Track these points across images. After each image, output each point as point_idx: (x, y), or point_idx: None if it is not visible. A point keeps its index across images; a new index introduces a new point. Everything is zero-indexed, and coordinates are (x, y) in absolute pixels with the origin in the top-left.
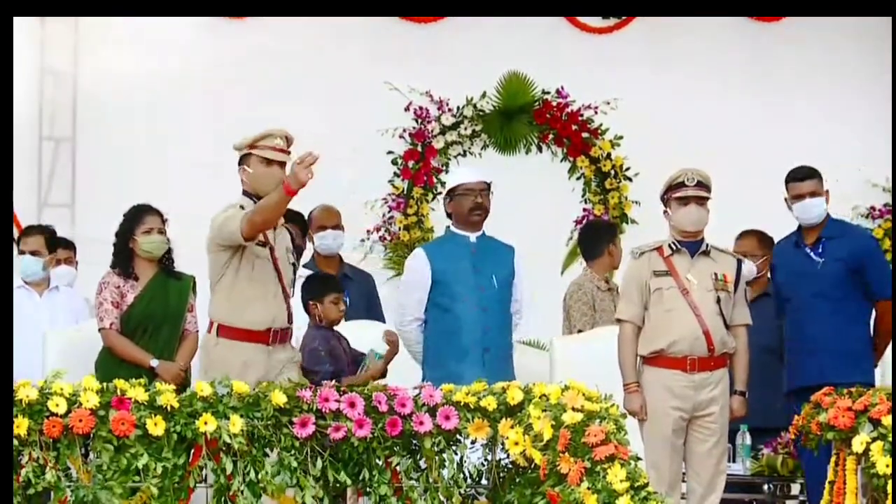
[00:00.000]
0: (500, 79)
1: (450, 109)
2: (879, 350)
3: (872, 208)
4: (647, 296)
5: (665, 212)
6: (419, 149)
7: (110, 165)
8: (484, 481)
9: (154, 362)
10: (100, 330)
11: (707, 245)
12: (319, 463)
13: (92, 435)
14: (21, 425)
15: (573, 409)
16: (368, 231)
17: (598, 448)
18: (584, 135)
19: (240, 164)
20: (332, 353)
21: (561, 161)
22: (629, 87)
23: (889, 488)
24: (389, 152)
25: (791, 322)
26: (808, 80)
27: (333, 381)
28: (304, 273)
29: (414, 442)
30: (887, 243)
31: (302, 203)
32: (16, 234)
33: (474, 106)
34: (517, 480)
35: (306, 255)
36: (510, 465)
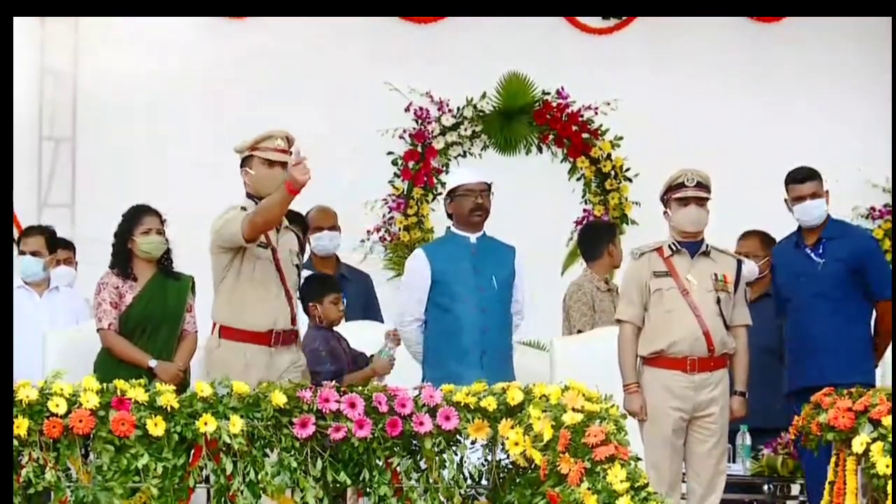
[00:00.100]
0: (500, 79)
1: (450, 110)
2: (880, 350)
3: (872, 209)
4: (647, 296)
5: (665, 212)
6: (419, 149)
7: (110, 165)
8: (484, 482)
9: (152, 363)
10: (98, 330)
11: (707, 245)
12: (319, 463)
13: (92, 435)
14: (21, 425)
15: (573, 409)
16: (368, 231)
17: (599, 448)
18: (585, 135)
19: (242, 166)
20: (333, 353)
21: (561, 162)
22: (629, 87)
23: (889, 489)
24: (389, 153)
25: (791, 323)
26: (808, 80)
27: (334, 382)
28: (302, 274)
29: (414, 442)
30: (887, 243)
31: (301, 203)
32: (16, 234)
33: (474, 106)
34: (517, 481)
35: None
36: (510, 466)
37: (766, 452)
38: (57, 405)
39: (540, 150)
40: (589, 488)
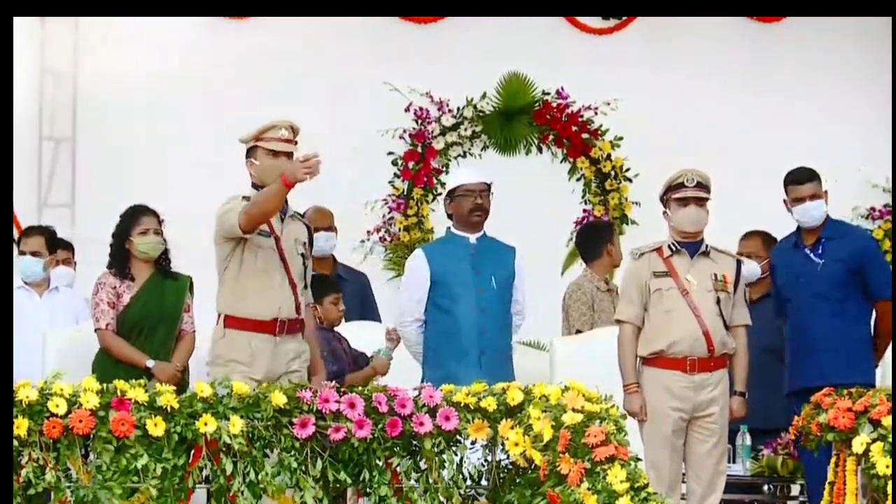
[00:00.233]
0: (500, 79)
1: (450, 110)
2: (879, 350)
3: (872, 209)
4: (647, 296)
5: (664, 212)
6: (419, 149)
7: (110, 165)
8: (484, 482)
9: (150, 363)
10: (96, 330)
11: (707, 246)
12: (319, 463)
13: (92, 435)
14: (21, 426)
15: (573, 409)
16: (368, 232)
17: (598, 449)
18: (584, 136)
19: (247, 156)
20: (334, 353)
21: (561, 162)
22: (629, 87)
23: (889, 489)
24: (389, 153)
25: (791, 323)
26: (808, 80)
27: (334, 382)
28: (309, 264)
29: (414, 443)
30: (887, 244)
31: (301, 203)
32: (16, 234)
33: (474, 107)
34: (517, 481)
35: None
36: (510, 466)
37: (766, 452)
38: (57, 405)
39: (540, 150)
40: (589, 488)
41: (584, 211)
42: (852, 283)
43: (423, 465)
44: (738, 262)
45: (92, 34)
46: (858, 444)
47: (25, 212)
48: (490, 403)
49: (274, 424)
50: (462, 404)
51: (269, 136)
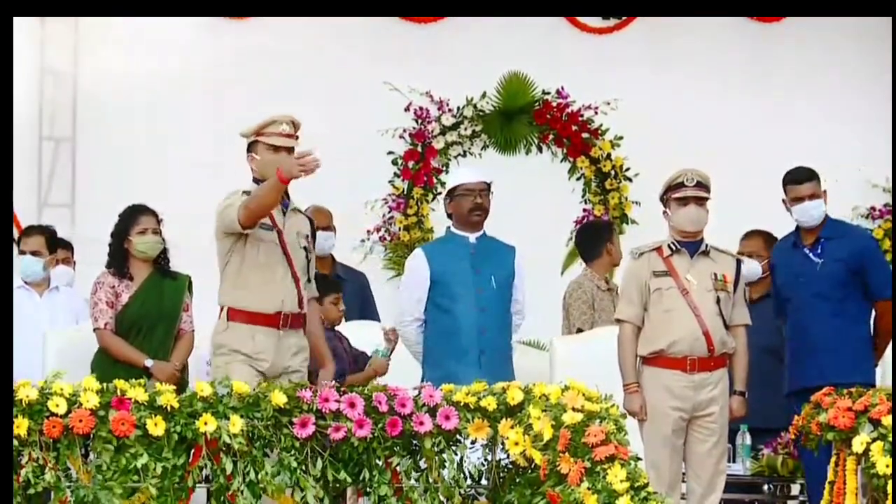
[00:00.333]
0: (500, 79)
1: (450, 110)
2: (879, 350)
3: (872, 208)
4: (647, 296)
5: (664, 212)
6: (419, 149)
7: (110, 165)
8: (484, 481)
9: (148, 362)
10: (94, 330)
11: (706, 245)
12: (319, 463)
13: (92, 435)
14: (21, 425)
15: (573, 409)
16: (368, 231)
17: (598, 448)
18: (585, 135)
19: (248, 151)
20: (334, 353)
21: (561, 161)
22: (629, 87)
23: (889, 488)
24: (389, 152)
25: (791, 323)
26: (808, 80)
27: (334, 382)
28: (312, 258)
29: (414, 442)
30: (887, 243)
31: (301, 203)
32: (16, 234)
33: (474, 106)
34: (517, 481)
35: None
36: (510, 466)
37: (766, 452)
38: (57, 405)
39: (540, 149)
40: (589, 488)
41: (584, 210)
42: (852, 282)
43: (423, 464)
44: (738, 262)
45: (92, 34)
46: (858, 444)
47: (25, 212)
48: (490, 403)
49: (274, 424)
50: (462, 404)
51: (270, 131)
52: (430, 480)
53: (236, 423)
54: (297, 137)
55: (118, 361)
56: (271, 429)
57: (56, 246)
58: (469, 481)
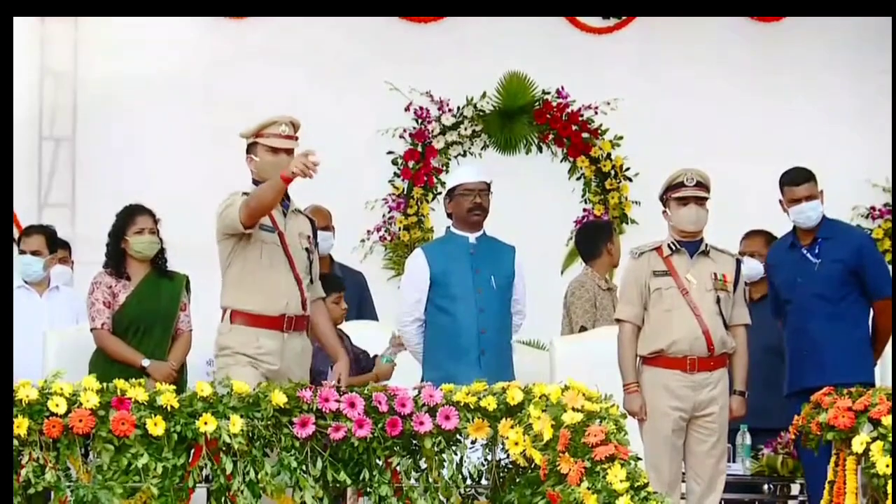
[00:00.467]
0: (500, 79)
1: (450, 109)
2: (878, 349)
3: (872, 208)
4: (647, 296)
5: (664, 212)
6: (419, 149)
7: (110, 165)
8: (484, 481)
9: (145, 362)
10: (92, 330)
11: (706, 245)
12: (319, 463)
13: (92, 435)
14: (21, 425)
15: (573, 409)
16: (368, 231)
17: (598, 448)
18: (585, 135)
19: (247, 152)
20: None
21: (561, 161)
22: (629, 87)
23: (889, 488)
24: (389, 152)
25: (790, 324)
26: (808, 80)
27: (334, 382)
28: (314, 259)
29: (414, 442)
30: (887, 243)
31: (300, 203)
32: (16, 234)
33: (474, 106)
34: (517, 480)
35: None
36: (510, 465)
37: (766, 452)
38: (57, 405)
39: (540, 149)
40: (589, 488)
41: (584, 210)
42: (850, 282)
43: (423, 464)
44: (738, 262)
45: (92, 34)
46: (858, 444)
47: (25, 212)
48: (490, 403)
49: (274, 424)
50: (462, 403)
51: (270, 132)
52: (430, 480)
53: (236, 423)
54: (296, 139)
55: (115, 361)
56: (271, 429)
57: (56, 246)
58: (469, 481)
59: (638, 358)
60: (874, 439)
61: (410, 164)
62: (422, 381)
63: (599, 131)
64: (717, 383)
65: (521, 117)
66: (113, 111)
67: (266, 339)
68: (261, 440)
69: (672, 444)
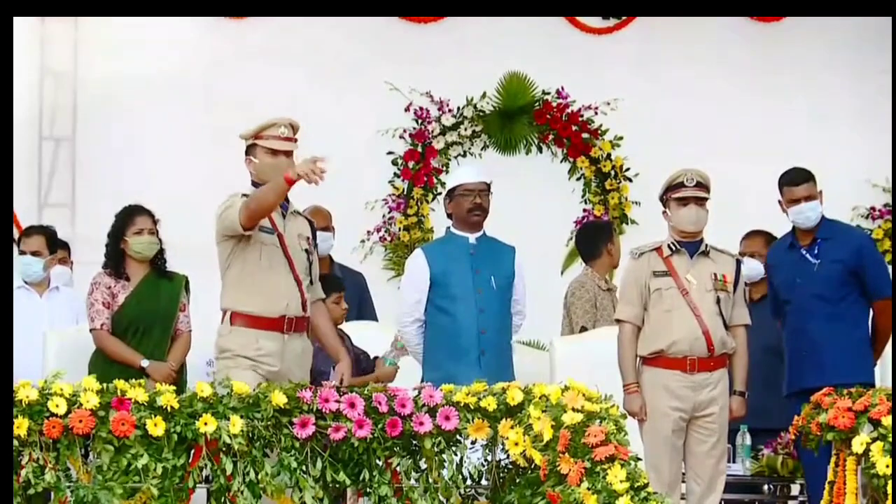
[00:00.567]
0: (500, 79)
1: (450, 110)
2: (877, 349)
3: (872, 208)
4: (647, 296)
5: (664, 212)
6: (419, 149)
7: (110, 165)
8: (484, 482)
9: (145, 362)
10: (91, 330)
11: (706, 245)
12: (319, 463)
13: (92, 435)
14: (21, 426)
15: (573, 409)
16: (368, 231)
17: (598, 448)
18: (585, 135)
19: (246, 154)
20: None
21: (561, 161)
22: (629, 87)
23: (889, 489)
24: (389, 152)
25: (790, 324)
26: (808, 80)
27: (334, 382)
28: (313, 260)
29: (414, 442)
30: (887, 243)
31: (300, 203)
32: (16, 234)
33: (474, 106)
34: (517, 481)
35: None
36: (510, 466)
37: (766, 452)
38: (57, 405)
39: (540, 150)
40: (589, 488)
41: (584, 211)
42: (850, 282)
43: (423, 464)
44: (738, 262)
45: (92, 34)
46: (858, 444)
47: (25, 212)
48: (490, 403)
49: (274, 424)
50: (462, 404)
51: (269, 135)
52: (430, 481)
53: (236, 424)
54: (295, 140)
55: (115, 362)
56: (271, 429)
57: (56, 246)
58: (469, 481)
59: (638, 358)
60: (874, 440)
61: (410, 164)
62: (422, 381)
63: (599, 131)
64: (717, 384)
65: (521, 117)
66: (113, 111)
67: (266, 341)
68: (261, 441)
69: (672, 444)
